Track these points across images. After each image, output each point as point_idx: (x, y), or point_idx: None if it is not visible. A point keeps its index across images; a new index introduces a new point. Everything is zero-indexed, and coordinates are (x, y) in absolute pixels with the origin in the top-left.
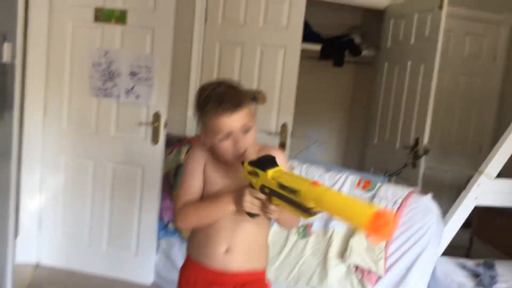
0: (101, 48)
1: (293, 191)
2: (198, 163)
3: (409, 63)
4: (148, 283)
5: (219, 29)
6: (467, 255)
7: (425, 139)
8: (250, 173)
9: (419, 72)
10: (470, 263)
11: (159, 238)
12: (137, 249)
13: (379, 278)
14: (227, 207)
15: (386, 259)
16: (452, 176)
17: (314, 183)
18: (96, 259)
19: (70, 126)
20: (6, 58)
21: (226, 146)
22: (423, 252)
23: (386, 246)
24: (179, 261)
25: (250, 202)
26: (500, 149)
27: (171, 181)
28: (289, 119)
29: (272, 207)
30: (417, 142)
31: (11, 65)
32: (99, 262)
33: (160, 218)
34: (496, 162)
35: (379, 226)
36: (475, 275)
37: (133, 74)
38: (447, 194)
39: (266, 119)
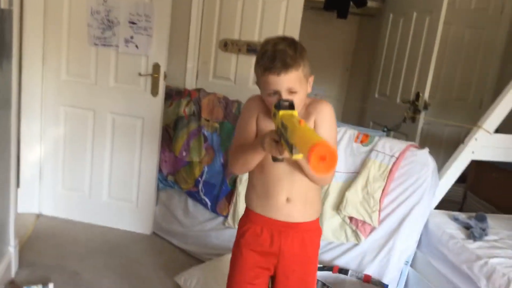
0: None
1: (286, 128)
2: (251, 112)
3: (414, 15)
4: (148, 233)
5: None
6: (460, 209)
7: (426, 94)
8: (273, 115)
9: (424, 24)
10: (462, 216)
11: (158, 190)
12: (137, 200)
13: (373, 229)
14: (257, 149)
15: (380, 211)
16: (451, 131)
17: (300, 121)
18: (96, 210)
19: (69, 76)
20: (3, 4)
21: (271, 102)
22: (417, 205)
23: (381, 198)
24: (179, 212)
25: (268, 143)
26: (500, 104)
27: (171, 133)
28: None
29: (281, 147)
30: (417, 96)
31: (9, 11)
32: (100, 213)
33: (160, 170)
34: (495, 117)
35: (320, 158)
36: (467, 228)
37: (132, 23)
38: (444, 149)
39: None
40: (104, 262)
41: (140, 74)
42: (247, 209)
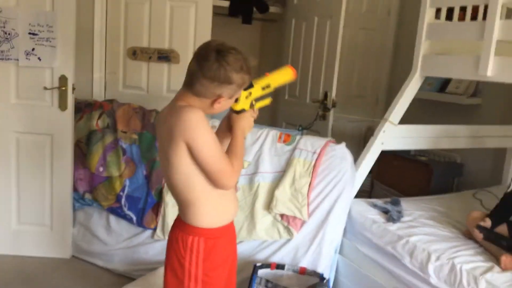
0: None
1: (268, 86)
2: (208, 125)
3: (316, 19)
4: (67, 257)
5: None
6: (369, 197)
7: (333, 93)
8: (246, 97)
9: (325, 28)
10: (379, 202)
11: (74, 210)
12: (51, 223)
13: (303, 223)
14: (242, 138)
15: (308, 205)
16: (353, 126)
17: (265, 74)
18: (6, 238)
19: None
20: None
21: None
22: (340, 196)
23: (308, 193)
24: (100, 231)
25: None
26: (401, 99)
27: (83, 149)
28: None
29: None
30: (326, 95)
31: None
32: (10, 241)
33: (75, 189)
34: (398, 110)
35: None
36: (385, 212)
37: (33, 34)
38: (349, 142)
39: (181, 79)
40: None
41: (45, 88)
42: (206, 230)
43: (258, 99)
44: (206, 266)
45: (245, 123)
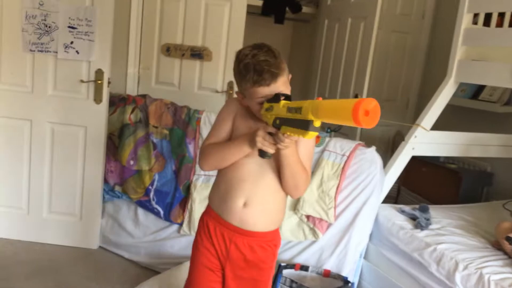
0: None
1: (298, 109)
2: (229, 112)
3: (349, 20)
4: (94, 247)
5: None
6: (395, 203)
7: (364, 95)
8: (267, 109)
9: (359, 30)
10: (407, 208)
11: (104, 202)
12: (80, 213)
13: (329, 225)
14: (242, 146)
15: (335, 207)
16: (382, 130)
17: (317, 98)
18: (37, 227)
19: (2, 85)
20: None
21: (260, 108)
22: (368, 200)
23: (336, 196)
24: (128, 223)
25: (262, 136)
26: (434, 104)
27: (116, 142)
28: None
29: (281, 137)
30: (356, 97)
31: None
32: (41, 229)
33: (105, 180)
34: (430, 116)
35: (365, 113)
36: (413, 218)
37: (72, 27)
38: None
39: (212, 77)
40: (53, 281)
41: (82, 81)
42: (208, 207)
43: (289, 123)
44: None
45: (260, 132)
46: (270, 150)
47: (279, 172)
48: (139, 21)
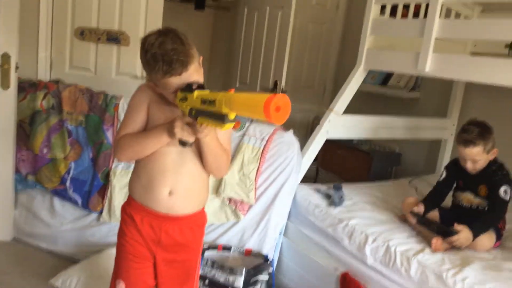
0: None
1: (211, 102)
2: (142, 101)
3: (267, 9)
4: (8, 239)
5: None
6: (315, 182)
7: (283, 82)
8: (181, 100)
9: (276, 19)
10: (323, 187)
11: (17, 192)
12: None
13: (250, 206)
14: (160, 136)
15: (256, 189)
16: (301, 115)
17: (229, 90)
18: None
19: None
20: None
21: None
22: (286, 181)
23: (256, 178)
24: (43, 213)
25: (180, 127)
26: (346, 90)
27: (27, 129)
28: None
29: (199, 127)
30: (275, 84)
31: None
32: None
33: (17, 170)
34: (342, 101)
35: (276, 109)
36: (328, 197)
37: None
38: (297, 130)
39: (131, 62)
40: None
41: None
42: (130, 198)
43: (205, 114)
44: None
45: (178, 122)
46: (190, 139)
47: (200, 156)
48: (49, 2)
